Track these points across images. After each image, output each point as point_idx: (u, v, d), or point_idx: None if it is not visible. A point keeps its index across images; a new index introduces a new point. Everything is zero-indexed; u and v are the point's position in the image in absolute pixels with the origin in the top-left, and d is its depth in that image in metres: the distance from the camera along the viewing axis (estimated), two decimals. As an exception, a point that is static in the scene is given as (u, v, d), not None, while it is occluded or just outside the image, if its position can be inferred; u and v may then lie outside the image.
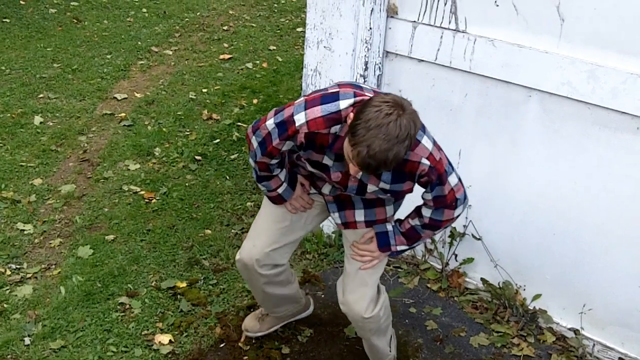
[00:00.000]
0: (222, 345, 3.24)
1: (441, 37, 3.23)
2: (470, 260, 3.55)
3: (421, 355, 3.24)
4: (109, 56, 6.55)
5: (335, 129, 2.33)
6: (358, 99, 2.30)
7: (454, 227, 3.53)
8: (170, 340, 3.27)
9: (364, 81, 3.42)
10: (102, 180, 4.55)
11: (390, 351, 3.01)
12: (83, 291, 3.54)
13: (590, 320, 3.25)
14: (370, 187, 2.45)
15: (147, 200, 4.35)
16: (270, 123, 2.44)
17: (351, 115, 2.17)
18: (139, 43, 6.90)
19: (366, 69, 3.42)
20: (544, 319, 3.36)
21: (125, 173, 4.63)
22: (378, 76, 3.48)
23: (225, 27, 7.49)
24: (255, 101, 5.75)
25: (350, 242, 2.74)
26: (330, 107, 2.31)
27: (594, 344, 3.24)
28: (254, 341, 3.26)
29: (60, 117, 5.35)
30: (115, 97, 5.73)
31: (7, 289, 3.57)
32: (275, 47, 7.02)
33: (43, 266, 3.75)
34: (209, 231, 4.06)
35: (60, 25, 7.21)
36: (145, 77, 6.18)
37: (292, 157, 2.61)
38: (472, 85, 3.26)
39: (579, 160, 3.04)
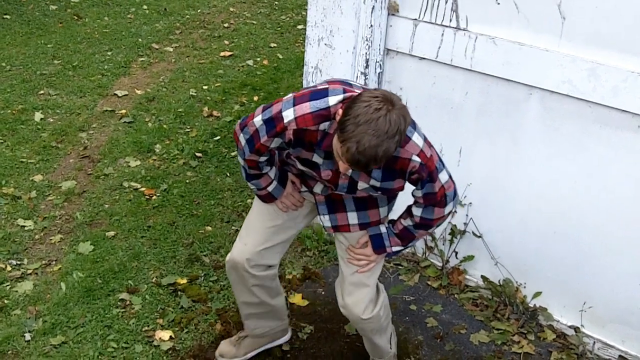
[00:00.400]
0: (222, 340, 3.24)
1: (442, 35, 3.24)
2: (470, 257, 3.56)
3: (421, 352, 3.24)
4: (109, 53, 6.55)
5: (324, 125, 2.29)
6: (347, 95, 2.26)
7: (454, 225, 3.54)
8: (170, 337, 3.27)
9: (365, 79, 3.43)
10: (102, 177, 4.55)
11: (390, 348, 3.01)
12: (83, 287, 3.55)
13: (590, 318, 3.25)
14: (361, 185, 2.42)
15: (148, 197, 4.35)
16: (258, 120, 2.40)
17: (340, 111, 2.15)
18: (140, 40, 6.90)
19: (367, 66, 3.42)
20: (544, 317, 3.36)
21: (126, 170, 4.64)
22: (379, 74, 3.48)
23: (226, 25, 7.49)
24: (255, 98, 5.75)
25: (343, 245, 2.71)
26: (319, 104, 2.28)
27: (594, 342, 3.25)
28: (254, 338, 3.27)
29: (61, 113, 5.35)
30: (115, 94, 5.73)
31: (8, 285, 3.57)
32: (275, 45, 7.02)
33: (43, 262, 3.76)
34: (209, 228, 4.07)
35: (60, 22, 7.22)
36: (145, 74, 6.18)
37: (282, 155, 2.57)
38: (473, 84, 3.26)
39: (579, 159, 3.05)
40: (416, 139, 2.31)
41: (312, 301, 3.51)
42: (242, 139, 2.49)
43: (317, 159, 2.40)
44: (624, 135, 2.89)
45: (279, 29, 7.47)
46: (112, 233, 3.99)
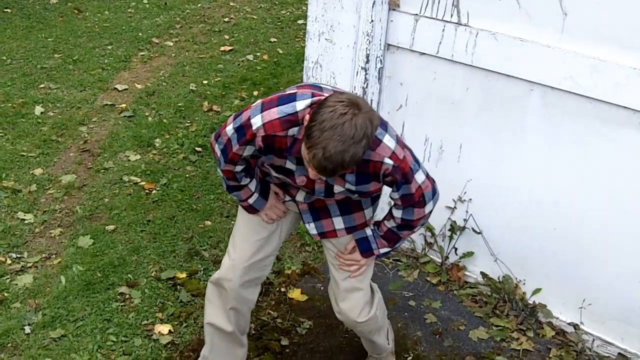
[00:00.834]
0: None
1: (443, 30, 3.23)
2: (470, 254, 3.55)
3: (420, 348, 3.24)
4: (109, 47, 6.54)
5: (293, 131, 2.24)
6: (315, 99, 2.22)
7: (454, 221, 3.54)
8: (169, 331, 3.27)
9: (366, 74, 3.42)
10: (102, 171, 4.55)
11: (388, 344, 3.01)
12: (83, 281, 3.55)
13: (590, 315, 3.25)
14: (337, 188, 2.38)
15: (148, 191, 4.35)
16: (229, 129, 2.36)
17: (307, 117, 2.11)
18: (140, 34, 6.89)
19: (367, 61, 3.42)
20: (543, 314, 3.36)
21: (126, 164, 4.63)
22: (379, 69, 3.48)
23: (226, 19, 7.47)
24: (255, 93, 5.75)
25: (332, 252, 2.68)
26: (286, 109, 2.23)
27: (593, 339, 3.25)
28: (252, 332, 3.27)
29: (61, 107, 5.35)
30: (116, 88, 5.73)
31: (8, 278, 3.57)
32: (276, 39, 7.01)
33: (43, 255, 3.76)
34: (208, 222, 4.07)
35: (61, 16, 7.20)
36: (146, 68, 6.18)
37: (259, 164, 2.53)
38: (473, 79, 3.25)
39: (580, 155, 3.04)
40: (387, 141, 2.26)
41: (311, 296, 3.51)
42: (217, 150, 2.45)
43: (290, 165, 2.36)
44: (626, 132, 2.88)
45: (279, 23, 7.46)
46: (111, 227, 3.99)
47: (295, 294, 3.52)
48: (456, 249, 3.61)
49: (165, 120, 5.22)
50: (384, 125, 2.29)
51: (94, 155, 4.73)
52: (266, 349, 3.19)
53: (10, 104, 5.32)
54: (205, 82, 5.93)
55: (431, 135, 3.48)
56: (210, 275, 3.57)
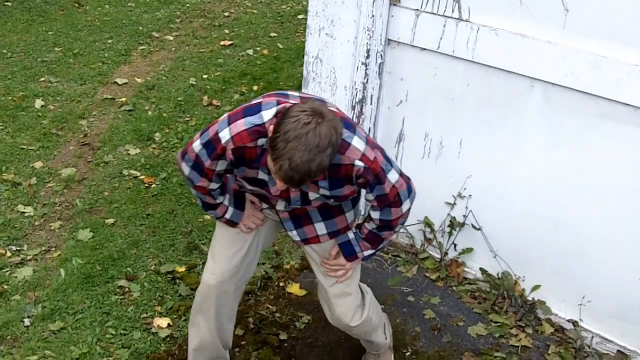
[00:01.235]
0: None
1: (444, 25, 3.23)
2: (469, 250, 3.56)
3: (418, 343, 3.25)
4: (110, 41, 6.53)
5: (261, 141, 2.22)
6: (281, 107, 2.20)
7: (454, 217, 3.54)
8: (168, 324, 3.28)
9: (366, 69, 3.42)
10: (102, 165, 4.55)
11: (386, 339, 3.00)
12: (83, 274, 3.55)
13: (589, 312, 3.25)
14: (312, 195, 2.37)
15: (147, 185, 4.35)
16: (197, 145, 2.34)
17: (271, 127, 2.09)
18: (140, 28, 6.88)
19: (368, 56, 3.41)
20: (542, 310, 3.36)
21: (126, 157, 4.63)
22: (380, 64, 3.48)
23: (226, 14, 7.46)
24: (255, 88, 5.74)
25: (315, 258, 2.66)
26: (253, 120, 2.21)
27: (592, 336, 3.25)
28: (251, 326, 3.28)
29: (61, 100, 5.34)
30: (116, 82, 5.72)
31: (7, 271, 3.58)
32: (276, 34, 7.00)
33: (43, 248, 3.76)
34: (207, 217, 4.07)
35: (61, 10, 7.19)
36: (146, 62, 6.17)
37: (231, 178, 2.51)
38: (474, 75, 3.25)
39: (580, 152, 3.04)
40: (357, 143, 2.24)
41: (309, 291, 3.51)
42: (186, 168, 2.42)
43: (262, 175, 2.33)
44: (627, 129, 2.88)
45: (280, 18, 7.45)
46: (111, 220, 3.99)
47: (294, 288, 3.52)
48: (455, 245, 3.61)
49: (165, 115, 5.21)
50: (352, 127, 2.27)
51: (93, 149, 4.73)
52: (265, 343, 3.20)
53: (10, 97, 5.31)
54: (205, 76, 5.93)
55: (431, 131, 3.48)
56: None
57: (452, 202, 3.52)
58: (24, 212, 4.03)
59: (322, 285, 2.70)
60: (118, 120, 5.11)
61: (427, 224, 3.65)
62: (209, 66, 6.14)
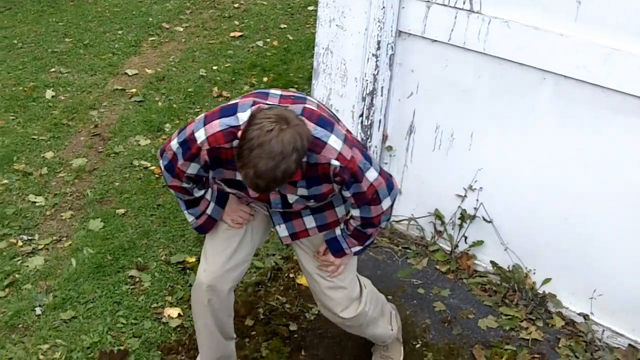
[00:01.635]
0: (230, 320, 3.27)
1: (455, 17, 3.22)
2: (480, 242, 3.55)
3: (429, 335, 3.25)
4: (120, 32, 6.54)
5: (236, 142, 2.17)
6: (255, 108, 2.19)
7: (464, 210, 3.53)
8: (179, 314, 3.29)
9: (376, 60, 3.41)
10: (112, 155, 4.56)
11: (391, 330, 2.97)
12: (94, 263, 3.57)
13: (600, 306, 3.24)
14: (291, 197, 2.36)
15: (158, 176, 4.36)
16: (174, 143, 2.33)
17: (239, 134, 2.09)
18: (150, 19, 6.89)
19: (378, 48, 3.41)
20: (553, 304, 3.36)
21: (136, 148, 4.64)
22: (390, 56, 3.47)
23: (236, 5, 7.45)
24: (265, 79, 5.74)
25: (308, 254, 2.64)
26: (228, 121, 2.20)
27: (603, 330, 3.24)
28: (261, 317, 3.29)
29: (72, 91, 5.36)
30: (126, 73, 5.73)
31: (19, 260, 3.60)
32: (286, 26, 6.99)
33: (54, 238, 3.78)
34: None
35: (72, 0, 7.21)
36: (156, 54, 6.18)
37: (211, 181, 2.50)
38: (485, 67, 3.24)
39: (592, 144, 3.03)
40: (333, 142, 2.22)
41: (320, 282, 3.51)
42: (162, 165, 2.42)
43: (240, 177, 2.31)
44: (638, 122, 2.87)
45: (290, 9, 7.43)
46: (122, 211, 4.01)
47: (303, 279, 3.52)
48: (466, 238, 3.60)
49: (175, 106, 5.22)
50: (331, 125, 2.25)
51: (104, 140, 4.75)
52: (274, 334, 3.21)
53: (21, 88, 5.34)
54: (215, 67, 5.93)
55: (442, 123, 3.47)
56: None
57: (463, 195, 3.51)
58: (35, 202, 4.06)
59: (313, 279, 2.68)
60: (128, 111, 5.13)
61: (438, 216, 3.65)
62: (218, 57, 6.14)
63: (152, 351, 3.11)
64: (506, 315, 3.35)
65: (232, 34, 6.67)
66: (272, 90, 2.37)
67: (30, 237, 3.77)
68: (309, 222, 2.54)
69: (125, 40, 6.36)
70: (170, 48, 6.31)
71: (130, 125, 4.91)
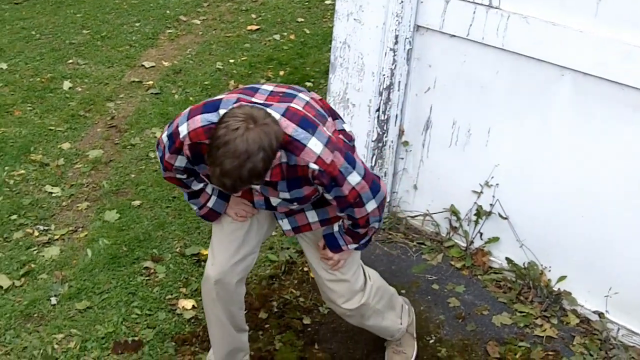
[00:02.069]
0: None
1: (474, 12, 3.20)
2: (495, 239, 3.53)
3: (442, 331, 3.24)
4: (137, 24, 6.56)
5: None
6: (236, 105, 2.17)
7: (480, 206, 3.52)
8: (193, 306, 3.31)
9: (394, 55, 3.41)
10: (129, 147, 4.58)
11: (401, 324, 2.96)
12: (109, 254, 3.59)
13: (615, 304, 3.22)
14: (274, 200, 2.36)
15: (173, 168, 4.37)
16: (164, 136, 2.34)
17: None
18: (168, 12, 6.90)
19: (396, 42, 3.40)
20: (568, 301, 3.34)
21: (152, 140, 4.66)
22: (408, 50, 3.46)
23: (253, -2, 7.47)
24: (282, 73, 5.74)
25: (312, 245, 2.64)
26: (210, 117, 2.20)
27: (618, 328, 3.22)
28: (275, 310, 3.29)
29: (89, 83, 5.39)
30: (143, 65, 5.75)
31: (35, 250, 3.63)
32: (303, 19, 6.98)
33: (70, 228, 3.80)
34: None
35: (90, -8, 7.24)
36: (173, 46, 6.19)
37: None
38: (503, 63, 3.22)
39: (610, 142, 3.01)
40: (313, 145, 2.18)
41: (334, 276, 3.51)
42: (158, 157, 2.44)
43: None
44: (658, 120, 2.85)
45: (307, 3, 7.41)
46: (137, 202, 4.02)
47: (318, 273, 3.53)
48: (481, 234, 3.59)
49: (191, 99, 5.23)
50: (314, 127, 2.21)
51: (120, 131, 4.77)
52: (288, 327, 3.21)
53: (39, 79, 5.37)
54: (231, 61, 5.93)
55: (459, 119, 3.46)
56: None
57: (479, 191, 3.50)
58: (52, 193, 4.08)
59: (316, 271, 2.69)
60: (145, 103, 5.14)
61: (453, 212, 3.64)
62: (235, 51, 6.14)
63: (166, 342, 3.13)
64: (521, 312, 3.34)
65: (249, 27, 6.66)
66: (264, 86, 2.36)
67: (46, 228, 3.80)
68: (312, 216, 2.54)
69: (143, 33, 6.38)
70: (187, 41, 6.32)
71: (146, 118, 4.93)
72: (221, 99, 2.26)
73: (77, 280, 3.43)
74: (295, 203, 2.38)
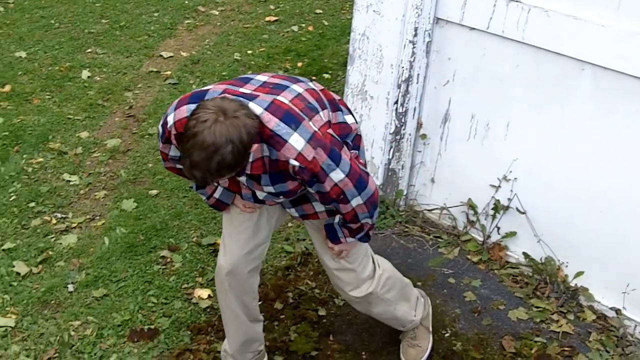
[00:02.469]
0: (259, 303, 3.27)
1: (494, 5, 3.17)
2: (513, 234, 3.52)
3: (458, 325, 3.23)
4: (156, 14, 6.58)
5: None
6: (221, 96, 2.16)
7: (498, 200, 3.50)
8: (209, 295, 3.32)
9: (413, 47, 3.39)
10: (147, 137, 4.60)
11: (414, 316, 2.96)
12: (126, 243, 3.61)
13: (633, 301, 3.20)
14: (259, 194, 2.35)
15: (190, 158, 4.38)
16: (160, 125, 2.35)
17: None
18: (186, 2, 6.91)
19: (415, 34, 3.38)
20: (585, 297, 3.32)
21: (170, 130, 4.67)
22: (427, 43, 3.44)
23: (272, -10, 7.45)
24: (299, 64, 5.73)
25: (316, 233, 2.64)
26: (194, 107, 2.16)
27: (635, 325, 3.20)
28: (290, 301, 3.30)
29: (107, 72, 5.41)
30: (161, 55, 5.77)
31: (53, 237, 3.65)
32: (321, 11, 6.96)
33: (88, 217, 3.83)
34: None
35: (109, -19, 7.26)
36: (191, 37, 6.20)
37: None
38: (523, 56, 3.20)
39: (630, 137, 2.98)
40: (294, 141, 2.16)
41: (350, 268, 3.51)
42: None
43: None
44: (679, 115, 2.82)
45: (326, -5, 7.41)
46: (155, 192, 4.04)
47: (334, 265, 3.53)
48: (499, 228, 3.57)
49: (209, 89, 5.23)
50: (297, 122, 2.18)
51: (138, 121, 4.78)
52: (303, 318, 3.22)
53: (57, 67, 5.40)
54: (249, 52, 5.93)
55: (478, 112, 3.44)
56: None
57: (497, 185, 3.48)
58: (70, 181, 4.11)
59: (322, 259, 2.70)
60: (163, 93, 5.16)
61: (471, 206, 3.62)
62: (253, 42, 6.14)
63: (182, 331, 3.14)
64: (537, 307, 3.32)
65: (267, 19, 6.66)
66: (258, 77, 2.34)
67: (64, 215, 3.82)
68: (318, 206, 2.53)
69: (161, 23, 6.39)
70: (206, 31, 6.33)
71: (164, 108, 4.94)
72: (208, 90, 2.26)
73: (94, 268, 3.45)
74: (281, 197, 2.37)
